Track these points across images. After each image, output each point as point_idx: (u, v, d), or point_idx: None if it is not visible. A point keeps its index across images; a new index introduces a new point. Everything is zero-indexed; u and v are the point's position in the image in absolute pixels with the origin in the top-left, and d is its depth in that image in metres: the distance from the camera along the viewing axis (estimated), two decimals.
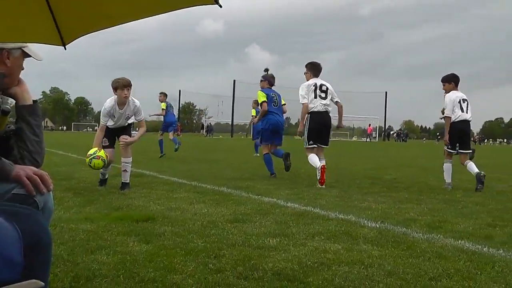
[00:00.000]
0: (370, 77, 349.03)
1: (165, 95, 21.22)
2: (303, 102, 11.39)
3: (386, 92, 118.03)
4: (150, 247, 5.06)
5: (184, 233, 5.73)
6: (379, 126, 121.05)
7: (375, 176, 13.92)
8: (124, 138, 9.73)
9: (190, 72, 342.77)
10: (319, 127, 11.43)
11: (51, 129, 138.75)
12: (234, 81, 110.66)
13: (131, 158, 10.01)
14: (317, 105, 11.35)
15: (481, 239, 5.89)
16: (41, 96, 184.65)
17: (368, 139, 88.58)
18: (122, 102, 9.55)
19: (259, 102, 12.94)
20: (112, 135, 9.97)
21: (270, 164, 12.90)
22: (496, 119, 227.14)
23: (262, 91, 12.94)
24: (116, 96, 9.52)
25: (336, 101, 11.75)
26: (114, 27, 3.39)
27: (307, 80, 11.64)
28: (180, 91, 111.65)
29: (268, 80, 13.13)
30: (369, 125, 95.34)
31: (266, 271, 4.33)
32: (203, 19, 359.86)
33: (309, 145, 11.42)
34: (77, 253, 4.76)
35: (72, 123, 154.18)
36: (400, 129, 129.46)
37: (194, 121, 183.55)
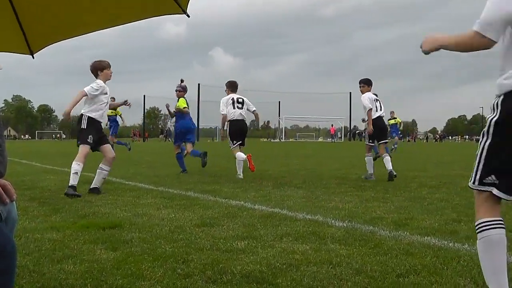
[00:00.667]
0: (335, 78, 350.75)
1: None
2: (222, 113, 14.24)
3: (350, 93, 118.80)
4: (117, 254, 5.03)
5: (152, 239, 5.70)
6: (344, 126, 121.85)
7: (341, 176, 14.01)
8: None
9: (154, 77, 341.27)
10: (239, 132, 14.18)
11: (14, 137, 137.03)
12: (199, 84, 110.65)
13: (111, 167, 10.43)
14: (236, 114, 14.13)
15: (447, 235, 5.96)
16: (3, 105, 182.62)
17: (333, 140, 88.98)
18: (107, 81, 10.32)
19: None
20: (97, 134, 10.14)
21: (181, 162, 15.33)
22: (459, 116, 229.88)
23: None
24: (98, 80, 10.14)
25: (253, 110, 14.55)
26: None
27: (227, 95, 14.46)
28: (144, 96, 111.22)
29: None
30: (332, 125, 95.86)
31: (234, 274, 4.33)
32: (164, 23, 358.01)
33: (234, 145, 14.09)
34: (43, 263, 4.70)
35: (36, 131, 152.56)
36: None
37: (160, 126, 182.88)
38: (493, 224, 3.25)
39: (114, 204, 8.42)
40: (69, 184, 9.80)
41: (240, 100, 14.32)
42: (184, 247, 5.33)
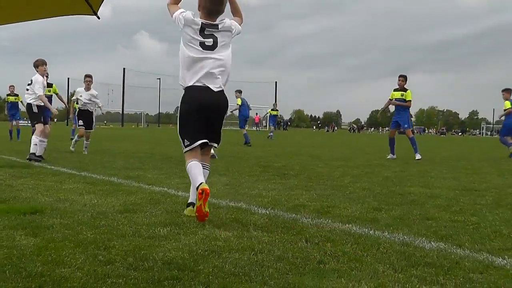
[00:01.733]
0: (261, 67, 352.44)
1: (240, 92, 26.14)
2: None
3: (276, 82, 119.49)
4: (38, 241, 4.92)
5: (73, 225, 5.60)
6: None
7: (265, 164, 14.07)
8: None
9: (78, 59, 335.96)
10: None
11: None
12: (124, 69, 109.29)
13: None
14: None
15: (368, 223, 6.06)
16: None
17: (257, 128, 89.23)
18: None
19: None
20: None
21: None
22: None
23: None
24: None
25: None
26: None
27: None
28: (68, 79, 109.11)
29: None
30: (256, 114, 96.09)
31: (156, 260, 4.29)
32: None
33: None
34: None
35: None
36: (281, 118, 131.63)
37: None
38: None
39: (36, 189, 8.23)
40: (30, 152, 13.65)
41: None
42: (106, 233, 5.25)
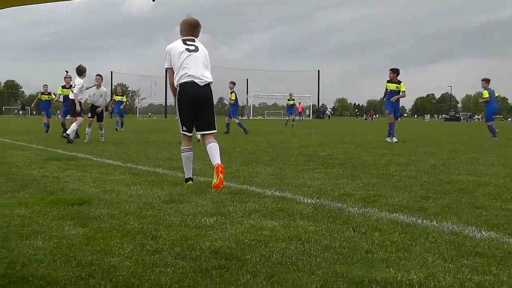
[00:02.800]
0: (302, 56, 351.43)
1: (234, 83, 27.63)
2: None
3: (318, 71, 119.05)
4: (86, 231, 4.99)
5: (120, 215, 5.67)
6: (312, 104, 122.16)
7: (310, 153, 14.03)
8: None
9: (120, 53, 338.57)
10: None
11: None
12: None
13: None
14: None
15: (415, 212, 6.00)
16: None
17: (301, 118, 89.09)
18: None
19: None
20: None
21: None
22: (428, 95, 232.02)
23: None
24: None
25: None
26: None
27: None
28: (112, 72, 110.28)
29: None
30: (299, 103, 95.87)
31: (203, 250, 4.32)
32: None
33: None
34: (11, 239, 4.65)
35: (3, 107, 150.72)
36: (323, 107, 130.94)
37: (128, 102, 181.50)
38: None
39: (82, 181, 8.36)
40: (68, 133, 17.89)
41: None
42: (152, 223, 5.31)
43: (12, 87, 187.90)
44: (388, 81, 20.57)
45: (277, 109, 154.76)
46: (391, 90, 20.41)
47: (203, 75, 8.02)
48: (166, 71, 8.32)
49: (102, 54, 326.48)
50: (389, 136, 20.33)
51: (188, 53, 8.01)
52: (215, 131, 8.34)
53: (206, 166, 10.50)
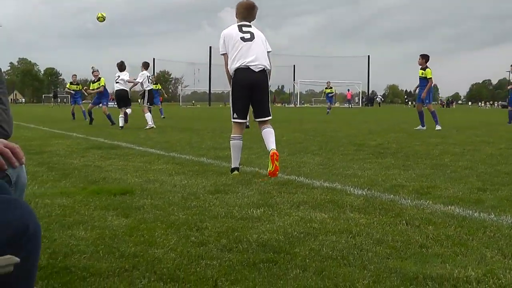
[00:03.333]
0: (351, 41, 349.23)
1: None
2: (139, 81, 21.42)
3: (368, 56, 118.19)
4: (129, 221, 5.04)
5: (164, 206, 5.71)
6: (362, 91, 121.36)
7: (359, 143, 13.93)
8: None
9: (163, 40, 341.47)
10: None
11: (19, 102, 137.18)
12: (210, 47, 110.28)
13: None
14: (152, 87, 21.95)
15: (472, 204, 5.91)
16: (9, 67, 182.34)
17: (350, 105, 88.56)
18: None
19: None
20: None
21: None
22: (484, 81, 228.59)
23: None
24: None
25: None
26: None
27: None
28: (154, 59, 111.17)
29: None
30: (348, 90, 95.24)
31: (250, 242, 4.32)
32: None
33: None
34: (53, 229, 4.72)
35: (43, 96, 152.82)
36: (373, 94, 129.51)
37: (170, 90, 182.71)
38: None
39: (125, 170, 8.44)
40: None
41: None
42: (197, 214, 5.34)
43: (52, 75, 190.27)
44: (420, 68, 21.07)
45: (324, 96, 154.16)
46: (419, 76, 21.02)
47: (259, 61, 8.11)
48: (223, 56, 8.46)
49: (146, 40, 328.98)
50: (437, 123, 20.51)
51: (244, 43, 8.13)
52: (270, 117, 8.46)
53: (252, 155, 10.54)
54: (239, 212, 5.44)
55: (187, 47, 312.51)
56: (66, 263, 3.80)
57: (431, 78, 20.53)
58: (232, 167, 8.26)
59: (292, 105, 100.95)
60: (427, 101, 20.90)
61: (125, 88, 21.78)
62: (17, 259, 2.05)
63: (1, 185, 2.50)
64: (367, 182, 7.36)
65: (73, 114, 28.79)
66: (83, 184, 7.11)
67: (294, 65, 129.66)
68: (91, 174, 8.03)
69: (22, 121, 24.61)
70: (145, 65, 22.38)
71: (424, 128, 20.29)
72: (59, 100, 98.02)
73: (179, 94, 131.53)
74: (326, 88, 48.51)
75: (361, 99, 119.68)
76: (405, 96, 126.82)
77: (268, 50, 8.43)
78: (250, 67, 8.06)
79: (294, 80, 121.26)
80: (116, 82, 21.63)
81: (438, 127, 20.08)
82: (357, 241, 4.40)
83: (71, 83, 29.74)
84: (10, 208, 2.24)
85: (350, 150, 11.94)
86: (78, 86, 29.61)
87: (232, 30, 8.29)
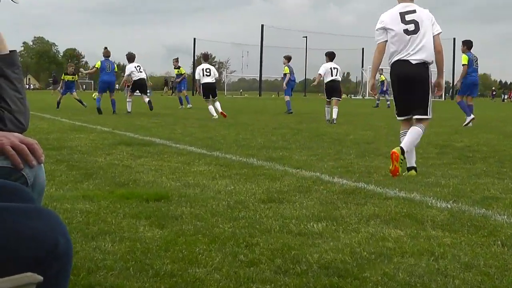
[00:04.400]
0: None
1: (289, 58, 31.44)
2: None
3: (454, 39, 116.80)
4: (165, 233, 5.07)
5: (207, 216, 5.73)
6: (446, 81, 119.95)
7: (443, 144, 13.83)
8: None
9: (205, 16, 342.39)
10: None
11: (33, 88, 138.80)
12: (262, 26, 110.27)
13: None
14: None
15: None
16: (22, 48, 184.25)
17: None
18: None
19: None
20: None
21: None
22: None
23: None
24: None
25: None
26: None
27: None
28: (194, 39, 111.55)
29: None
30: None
31: (311, 264, 4.31)
32: None
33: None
34: (74, 240, 4.75)
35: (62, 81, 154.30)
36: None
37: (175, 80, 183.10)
38: None
39: (159, 171, 8.50)
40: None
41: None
42: (247, 227, 5.34)
43: (73, 57, 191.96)
44: None
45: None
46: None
47: (420, 54, 8.67)
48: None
49: (183, 17, 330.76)
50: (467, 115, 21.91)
51: (408, 36, 8.69)
52: (427, 116, 9.05)
53: (312, 157, 10.53)
54: (297, 226, 5.43)
55: (234, 25, 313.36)
56: (90, 281, 3.84)
57: (464, 64, 22.20)
58: (408, 166, 8.80)
59: (360, 97, 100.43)
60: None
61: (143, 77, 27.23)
62: (40, 278, 2.06)
63: (20, 190, 2.52)
64: (452, 193, 7.29)
65: (58, 103, 30.94)
66: (110, 187, 7.18)
67: (362, 48, 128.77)
68: (119, 175, 8.10)
69: (36, 110, 24.95)
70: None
71: (472, 117, 21.62)
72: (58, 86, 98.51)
73: (223, 81, 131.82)
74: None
75: (444, 92, 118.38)
76: (493, 88, 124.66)
77: (437, 32, 8.91)
78: (409, 59, 8.69)
79: (362, 66, 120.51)
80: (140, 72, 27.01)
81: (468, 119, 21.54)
82: (441, 265, 4.36)
83: (66, 74, 32.66)
84: (36, 219, 2.25)
85: (431, 152, 11.86)
86: (74, 77, 32.94)
87: (393, 17, 8.84)
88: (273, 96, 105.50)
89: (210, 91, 24.56)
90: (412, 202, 6.65)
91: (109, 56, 27.59)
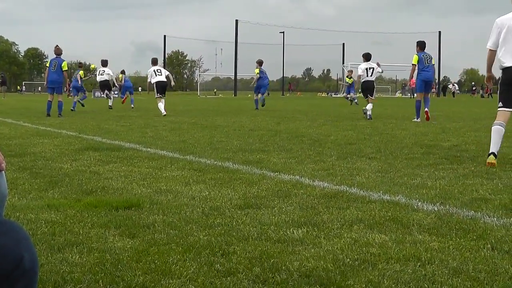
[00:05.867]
0: (415, 13, 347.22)
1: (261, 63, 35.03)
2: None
3: (439, 32, 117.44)
4: (136, 243, 5.07)
5: (180, 224, 5.74)
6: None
7: (429, 143, 13.88)
8: None
9: (175, 12, 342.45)
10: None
11: None
12: (237, 21, 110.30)
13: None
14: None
15: None
16: None
17: (411, 96, 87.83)
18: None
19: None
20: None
21: None
22: None
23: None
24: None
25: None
26: None
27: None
28: (165, 36, 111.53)
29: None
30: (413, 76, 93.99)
31: (291, 272, 4.32)
32: None
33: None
34: (40, 252, 4.75)
35: (23, 83, 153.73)
36: (444, 81, 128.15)
37: (185, 75, 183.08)
38: None
39: (129, 177, 8.49)
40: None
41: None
42: (223, 235, 5.35)
43: (35, 57, 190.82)
44: None
45: (382, 84, 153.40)
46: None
47: None
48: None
49: (152, 13, 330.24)
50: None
51: None
52: None
53: (292, 160, 10.54)
54: (276, 232, 5.44)
55: (207, 21, 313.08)
56: None
57: (413, 64, 24.83)
58: (490, 151, 10.18)
59: (341, 95, 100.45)
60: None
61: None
62: None
63: None
64: (439, 195, 7.34)
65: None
66: (76, 195, 7.17)
67: (343, 44, 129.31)
68: (86, 182, 8.08)
69: None
70: (152, 62, 29.95)
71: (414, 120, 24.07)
72: (7, 88, 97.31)
73: (196, 81, 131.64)
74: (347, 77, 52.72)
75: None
76: (473, 84, 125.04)
77: None
78: None
79: (343, 62, 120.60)
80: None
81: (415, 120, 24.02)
82: (428, 271, 4.39)
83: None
84: None
85: (417, 153, 11.90)
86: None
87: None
88: (249, 95, 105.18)
89: (163, 88, 28.05)
90: (397, 205, 6.69)
91: (60, 54, 26.60)
